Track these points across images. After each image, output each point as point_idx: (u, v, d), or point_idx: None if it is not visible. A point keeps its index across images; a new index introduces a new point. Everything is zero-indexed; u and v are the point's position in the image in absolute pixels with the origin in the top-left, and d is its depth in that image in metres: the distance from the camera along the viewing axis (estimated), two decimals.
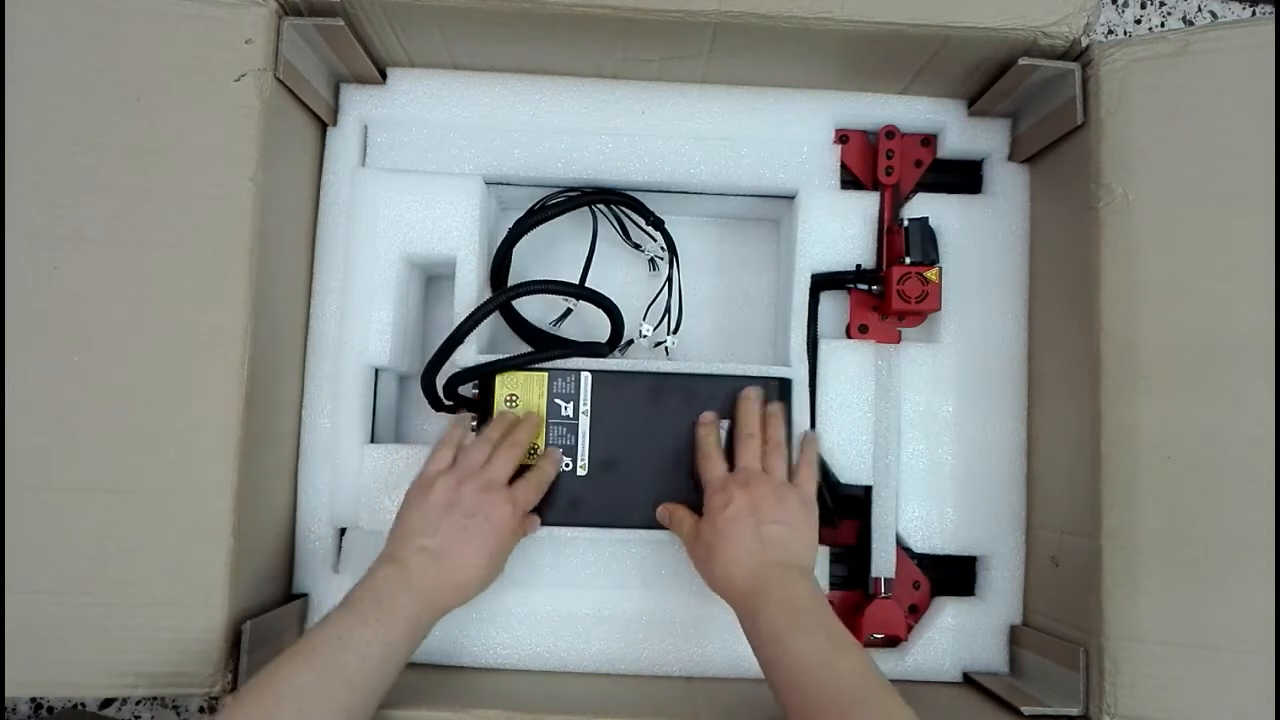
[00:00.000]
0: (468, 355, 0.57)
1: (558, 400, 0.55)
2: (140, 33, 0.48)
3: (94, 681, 0.46)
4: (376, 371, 0.60)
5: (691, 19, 0.50)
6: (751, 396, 0.54)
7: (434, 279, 0.65)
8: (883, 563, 0.58)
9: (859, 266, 0.60)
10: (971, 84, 0.58)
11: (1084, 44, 0.51)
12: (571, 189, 0.60)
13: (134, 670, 0.46)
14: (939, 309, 0.58)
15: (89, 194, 0.47)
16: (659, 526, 0.55)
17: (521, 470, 0.51)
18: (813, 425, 0.58)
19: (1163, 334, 0.48)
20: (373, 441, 0.59)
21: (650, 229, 0.62)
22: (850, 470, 0.58)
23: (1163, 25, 0.79)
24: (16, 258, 0.46)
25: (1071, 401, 0.52)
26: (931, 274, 0.58)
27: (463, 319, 0.55)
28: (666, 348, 0.61)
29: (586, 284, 0.59)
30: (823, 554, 0.58)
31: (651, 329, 0.61)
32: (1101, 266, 0.49)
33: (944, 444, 0.59)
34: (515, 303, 0.60)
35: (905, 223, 0.58)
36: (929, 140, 0.61)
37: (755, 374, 0.57)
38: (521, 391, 0.55)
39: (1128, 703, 0.47)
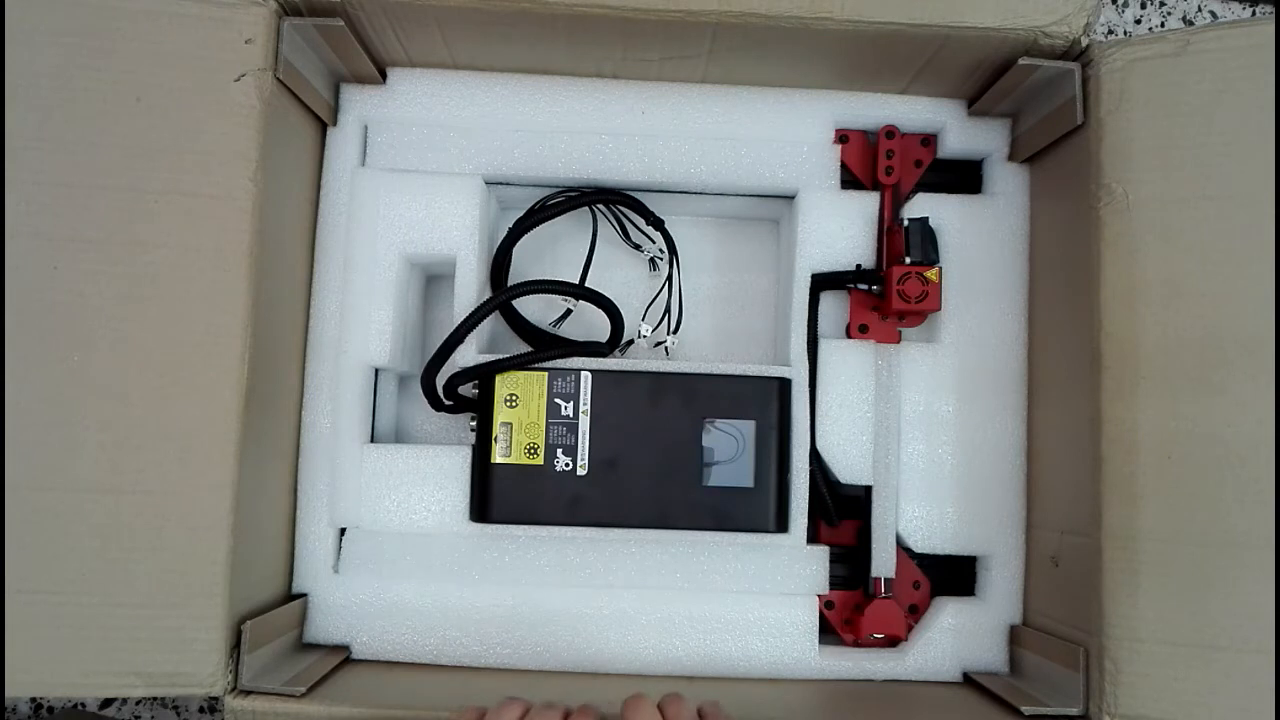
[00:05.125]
0: (468, 355, 0.57)
1: (558, 400, 0.55)
2: (140, 33, 0.48)
3: (94, 681, 0.46)
4: (376, 371, 0.60)
5: (691, 19, 0.50)
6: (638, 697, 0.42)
7: (434, 279, 0.65)
8: (883, 563, 0.58)
9: (859, 266, 0.60)
10: (971, 84, 0.58)
11: (1084, 44, 0.51)
12: (571, 189, 0.60)
13: (134, 670, 0.46)
14: (939, 309, 0.58)
15: (89, 194, 0.47)
16: (659, 526, 0.55)
17: None
18: (813, 425, 0.58)
19: (1163, 334, 0.48)
20: (373, 441, 0.59)
21: (650, 229, 0.62)
22: (850, 470, 0.58)
23: (1163, 25, 0.79)
24: (16, 258, 0.46)
25: (1071, 401, 0.52)
26: (931, 274, 0.58)
27: (463, 319, 0.55)
28: (666, 348, 0.61)
29: (586, 284, 0.59)
30: (823, 554, 0.58)
31: (651, 329, 0.61)
32: (1101, 266, 0.49)
33: (944, 444, 0.59)
34: (515, 303, 0.61)
35: (905, 223, 0.58)
36: (929, 140, 0.61)
37: (755, 374, 0.57)
38: (521, 391, 0.55)
39: (1128, 703, 0.47)
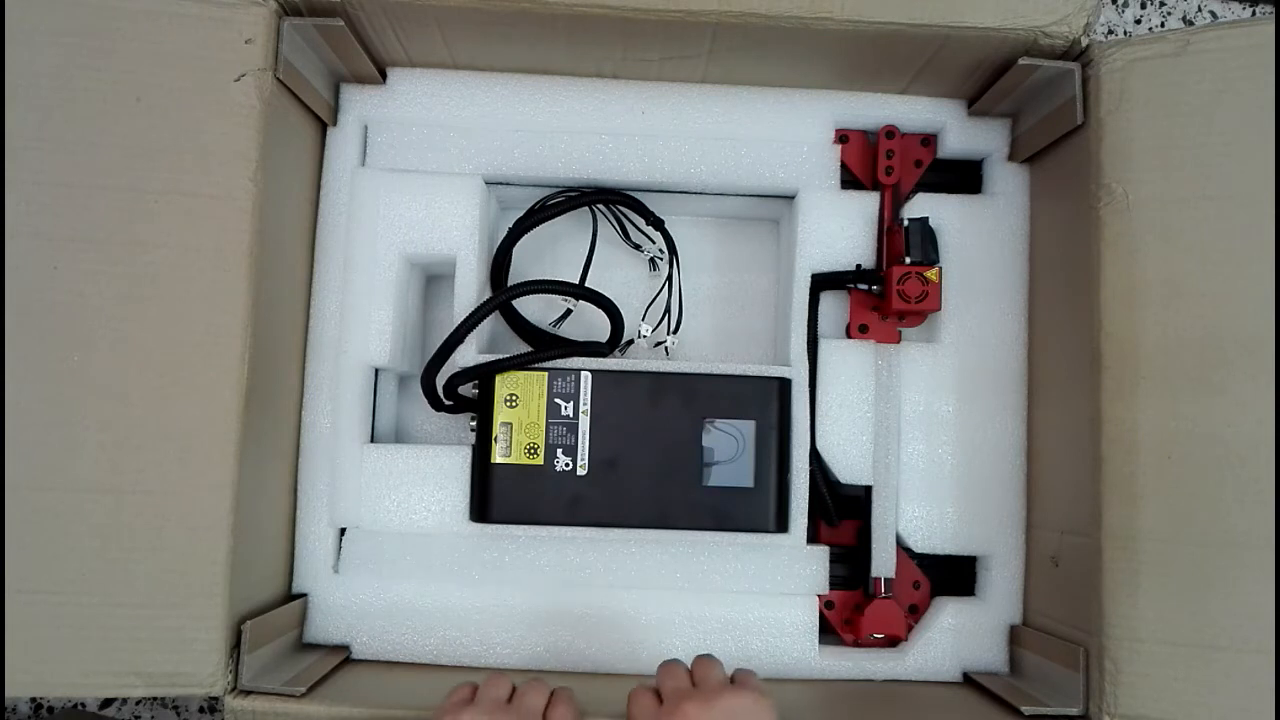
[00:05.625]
0: (468, 355, 0.57)
1: (558, 400, 0.55)
2: (140, 33, 0.48)
3: (94, 681, 0.46)
4: (376, 371, 0.60)
5: (691, 19, 0.50)
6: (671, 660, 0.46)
7: (434, 279, 0.65)
8: (883, 563, 0.58)
9: (859, 266, 0.60)
10: (971, 84, 0.58)
11: (1084, 44, 0.51)
12: (571, 189, 0.60)
13: (134, 670, 0.46)
14: (939, 309, 0.58)
15: (89, 194, 0.47)
16: (659, 526, 0.55)
17: None
18: (813, 425, 0.58)
19: (1163, 334, 0.48)
20: (373, 441, 0.59)
21: (650, 229, 0.62)
22: (850, 470, 0.58)
23: (1163, 25, 0.79)
24: (16, 258, 0.46)
25: (1071, 401, 0.52)
26: (931, 274, 0.58)
27: (463, 319, 0.55)
28: (666, 348, 0.61)
29: (586, 284, 0.59)
30: (823, 554, 0.58)
31: (651, 329, 0.61)
32: (1101, 266, 0.49)
33: (944, 444, 0.59)
34: (515, 303, 0.61)
35: (905, 223, 0.58)
36: (929, 140, 0.61)
37: (755, 374, 0.57)
38: (521, 391, 0.55)
39: (1128, 703, 0.47)
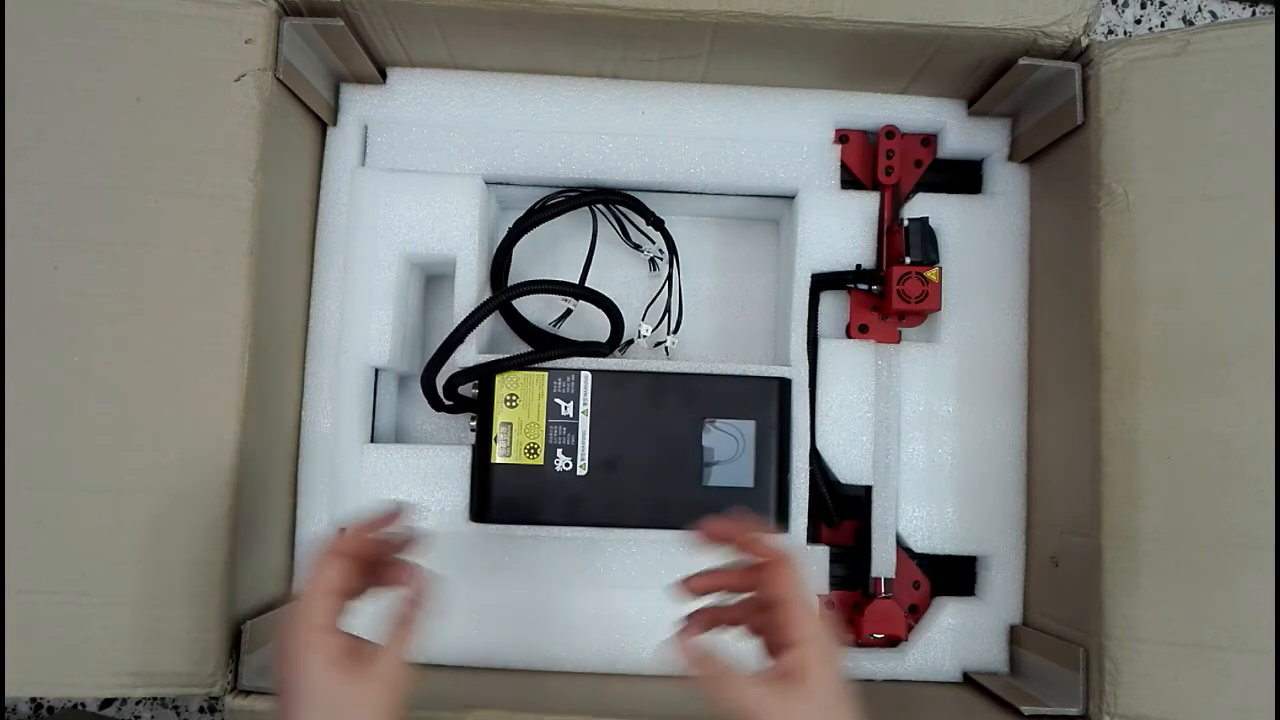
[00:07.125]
0: (468, 355, 0.57)
1: (558, 400, 0.55)
2: (140, 33, 0.48)
3: (94, 681, 0.46)
4: (376, 371, 0.60)
5: (691, 19, 0.50)
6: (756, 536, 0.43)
7: (434, 279, 0.65)
8: (883, 563, 0.58)
9: (859, 266, 0.60)
10: (971, 84, 0.58)
11: (1084, 44, 0.51)
12: (571, 189, 0.60)
13: (134, 670, 0.46)
14: (939, 309, 0.58)
15: (89, 194, 0.47)
16: (659, 526, 0.55)
17: None
18: (813, 425, 0.58)
19: (1163, 334, 0.48)
20: (373, 441, 0.59)
21: (650, 229, 0.62)
22: (850, 470, 0.58)
23: (1163, 25, 0.79)
24: (16, 257, 0.46)
25: (1071, 401, 0.52)
26: (931, 274, 0.58)
27: (463, 319, 0.55)
28: (666, 348, 0.61)
29: (587, 284, 0.59)
30: (823, 554, 0.58)
31: (651, 329, 0.61)
32: (1101, 266, 0.49)
33: (944, 444, 0.59)
34: (515, 303, 0.60)
35: (905, 223, 0.58)
36: (929, 140, 0.61)
37: (755, 374, 0.57)
38: (521, 391, 0.55)
39: (1128, 703, 0.47)
